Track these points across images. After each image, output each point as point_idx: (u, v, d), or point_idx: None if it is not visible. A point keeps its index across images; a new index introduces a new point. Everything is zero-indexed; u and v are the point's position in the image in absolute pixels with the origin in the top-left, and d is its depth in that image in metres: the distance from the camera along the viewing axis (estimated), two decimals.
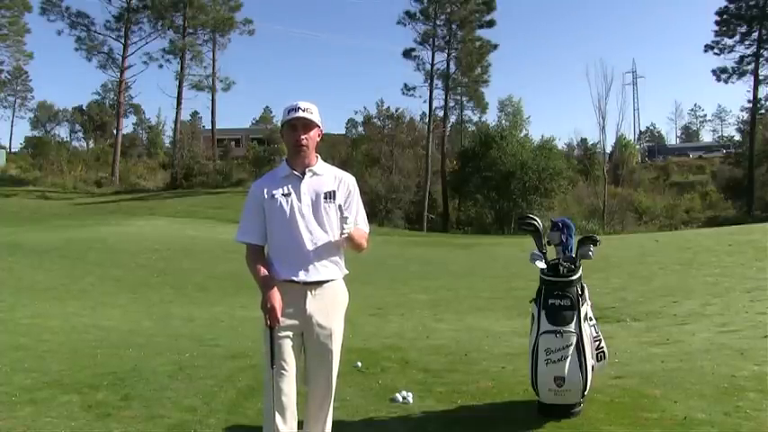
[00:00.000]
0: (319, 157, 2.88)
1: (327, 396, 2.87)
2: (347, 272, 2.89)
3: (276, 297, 2.69)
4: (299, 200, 2.77)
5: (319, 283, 2.78)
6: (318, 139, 2.84)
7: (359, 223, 2.88)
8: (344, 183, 2.87)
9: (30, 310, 7.91)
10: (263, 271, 2.75)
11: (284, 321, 2.74)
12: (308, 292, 2.76)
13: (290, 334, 2.76)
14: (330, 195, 2.80)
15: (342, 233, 2.71)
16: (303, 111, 2.75)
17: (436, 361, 5.16)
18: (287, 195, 2.77)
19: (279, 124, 2.94)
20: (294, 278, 2.74)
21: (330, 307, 2.82)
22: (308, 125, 2.77)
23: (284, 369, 2.74)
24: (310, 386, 2.87)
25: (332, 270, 2.81)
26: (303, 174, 2.81)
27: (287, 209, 2.75)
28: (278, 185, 2.80)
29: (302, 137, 2.76)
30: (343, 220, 2.71)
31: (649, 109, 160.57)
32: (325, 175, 2.85)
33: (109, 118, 58.90)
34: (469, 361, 5.13)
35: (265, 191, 2.80)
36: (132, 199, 33.82)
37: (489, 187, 36.64)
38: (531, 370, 3.69)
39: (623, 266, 11.23)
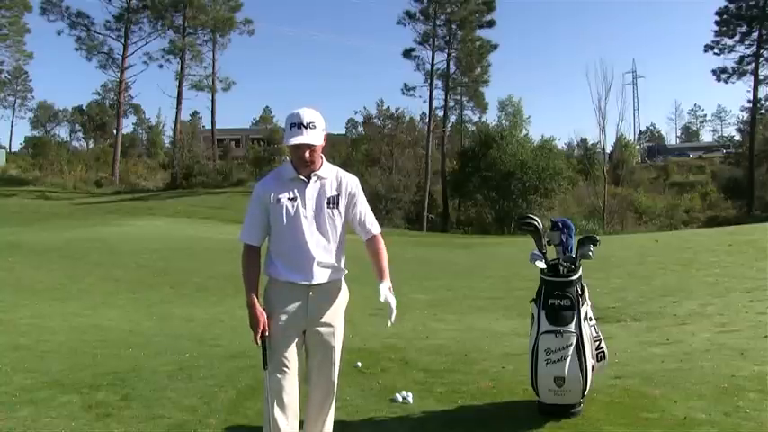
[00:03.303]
0: (323, 158, 2.86)
1: (329, 395, 2.88)
2: (346, 271, 2.91)
3: (261, 315, 2.74)
4: (304, 205, 2.77)
5: (320, 284, 2.79)
6: (323, 144, 2.79)
7: (367, 224, 2.89)
8: (348, 185, 2.86)
9: (30, 310, 7.90)
10: (252, 289, 2.77)
11: (286, 320, 2.76)
12: (310, 292, 2.78)
13: (292, 333, 2.78)
14: (333, 201, 2.81)
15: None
16: (306, 128, 2.67)
17: (436, 361, 5.16)
18: (293, 200, 2.77)
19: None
20: (297, 281, 2.76)
21: (332, 307, 2.83)
22: (313, 145, 2.72)
23: (286, 367, 2.75)
24: (312, 385, 2.88)
25: (333, 271, 2.83)
26: (308, 178, 2.79)
27: (292, 213, 2.75)
28: (283, 189, 2.79)
29: (306, 154, 2.72)
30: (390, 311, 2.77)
31: (649, 109, 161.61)
32: (329, 179, 2.83)
33: (109, 118, 58.86)
34: (469, 361, 5.14)
35: (272, 195, 2.78)
36: (132, 199, 33.81)
37: (489, 187, 36.63)
38: (530, 370, 3.69)
39: (623, 266, 11.21)
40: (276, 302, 2.81)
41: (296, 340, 2.79)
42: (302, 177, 2.80)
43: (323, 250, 2.77)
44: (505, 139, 38.16)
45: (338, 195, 2.82)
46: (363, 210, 2.89)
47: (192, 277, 11.23)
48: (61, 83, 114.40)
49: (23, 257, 12.92)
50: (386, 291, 2.77)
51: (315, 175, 2.80)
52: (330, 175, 2.85)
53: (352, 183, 2.89)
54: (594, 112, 44.07)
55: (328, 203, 2.80)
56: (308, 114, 2.70)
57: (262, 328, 2.73)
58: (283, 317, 2.75)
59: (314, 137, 2.69)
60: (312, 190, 2.79)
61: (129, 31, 40.61)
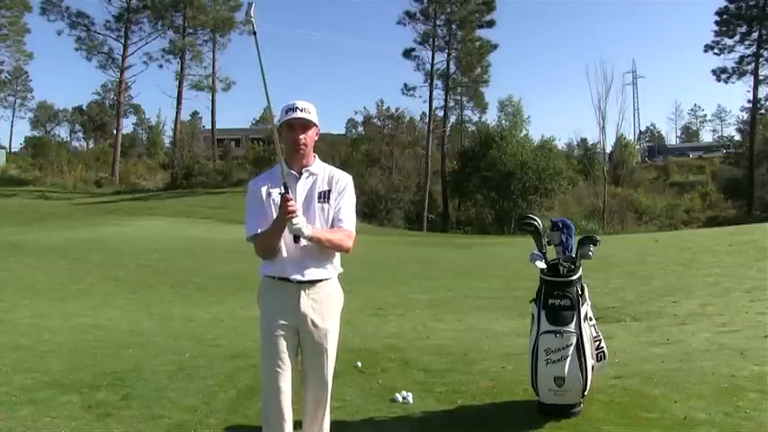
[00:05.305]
0: (317, 156, 2.88)
1: (324, 396, 2.86)
2: (341, 270, 2.88)
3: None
4: (295, 200, 2.75)
5: (312, 283, 2.77)
6: (316, 139, 2.84)
7: (341, 220, 2.81)
8: (340, 181, 2.85)
9: (30, 310, 7.91)
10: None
11: (279, 320, 2.75)
12: (302, 292, 2.76)
13: (285, 332, 2.76)
14: (324, 195, 2.80)
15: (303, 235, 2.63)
16: (301, 111, 2.75)
17: (436, 361, 5.16)
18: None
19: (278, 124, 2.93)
20: (287, 277, 2.74)
21: (325, 307, 2.81)
22: (307, 125, 2.78)
23: (280, 367, 2.74)
24: (306, 386, 2.86)
25: (325, 269, 2.80)
26: (300, 173, 2.81)
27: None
28: (275, 184, 2.79)
29: (301, 136, 2.76)
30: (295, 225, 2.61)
31: (649, 109, 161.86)
32: (321, 175, 2.84)
33: (109, 118, 58.87)
34: (469, 361, 5.13)
35: (263, 189, 2.80)
36: (132, 199, 33.82)
37: (489, 187, 36.66)
38: (530, 370, 3.70)
39: (623, 266, 11.22)
40: (269, 301, 2.80)
41: (290, 339, 2.77)
42: (293, 172, 2.80)
43: (313, 245, 2.74)
44: (505, 139, 38.17)
45: (329, 190, 2.82)
46: (345, 205, 2.83)
47: (192, 277, 11.24)
48: (61, 83, 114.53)
49: (23, 257, 12.93)
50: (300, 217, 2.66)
51: (306, 170, 2.82)
52: (323, 172, 2.86)
53: (344, 179, 2.87)
54: (594, 112, 44.21)
55: (319, 198, 2.79)
56: (302, 102, 2.79)
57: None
58: (276, 315, 2.74)
59: (308, 116, 2.76)
60: (303, 185, 2.80)
61: (129, 31, 40.66)
